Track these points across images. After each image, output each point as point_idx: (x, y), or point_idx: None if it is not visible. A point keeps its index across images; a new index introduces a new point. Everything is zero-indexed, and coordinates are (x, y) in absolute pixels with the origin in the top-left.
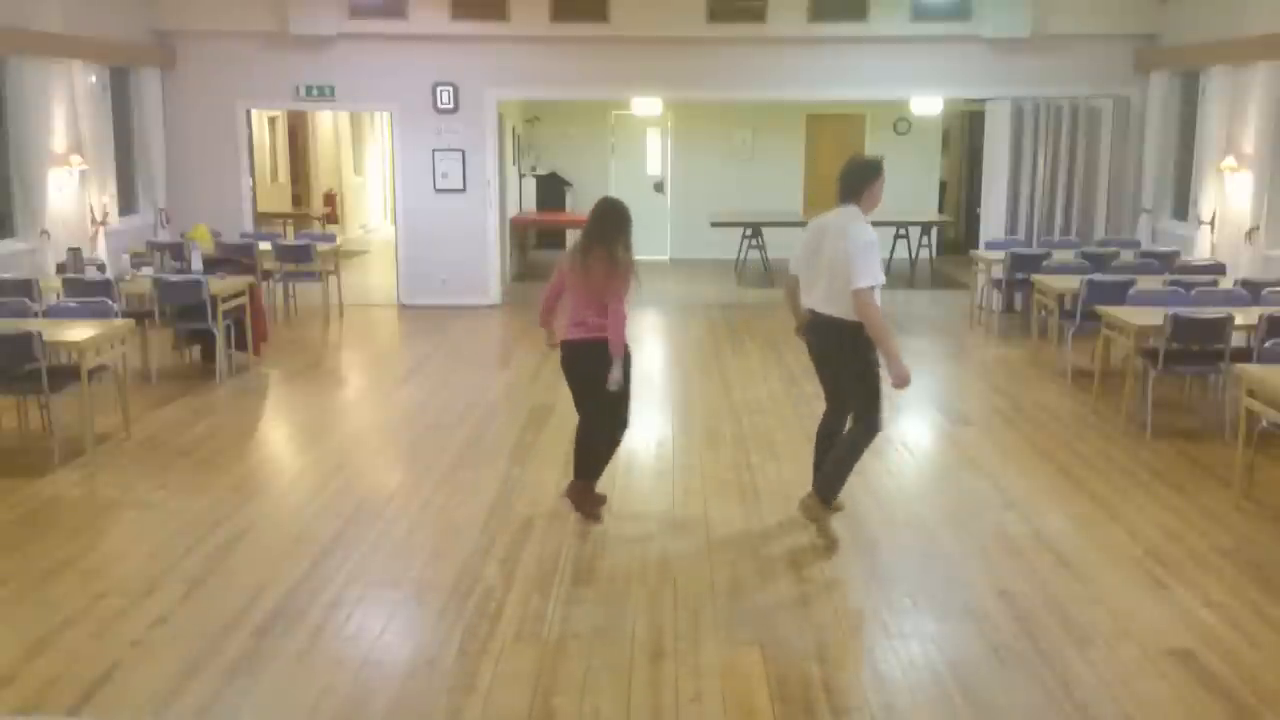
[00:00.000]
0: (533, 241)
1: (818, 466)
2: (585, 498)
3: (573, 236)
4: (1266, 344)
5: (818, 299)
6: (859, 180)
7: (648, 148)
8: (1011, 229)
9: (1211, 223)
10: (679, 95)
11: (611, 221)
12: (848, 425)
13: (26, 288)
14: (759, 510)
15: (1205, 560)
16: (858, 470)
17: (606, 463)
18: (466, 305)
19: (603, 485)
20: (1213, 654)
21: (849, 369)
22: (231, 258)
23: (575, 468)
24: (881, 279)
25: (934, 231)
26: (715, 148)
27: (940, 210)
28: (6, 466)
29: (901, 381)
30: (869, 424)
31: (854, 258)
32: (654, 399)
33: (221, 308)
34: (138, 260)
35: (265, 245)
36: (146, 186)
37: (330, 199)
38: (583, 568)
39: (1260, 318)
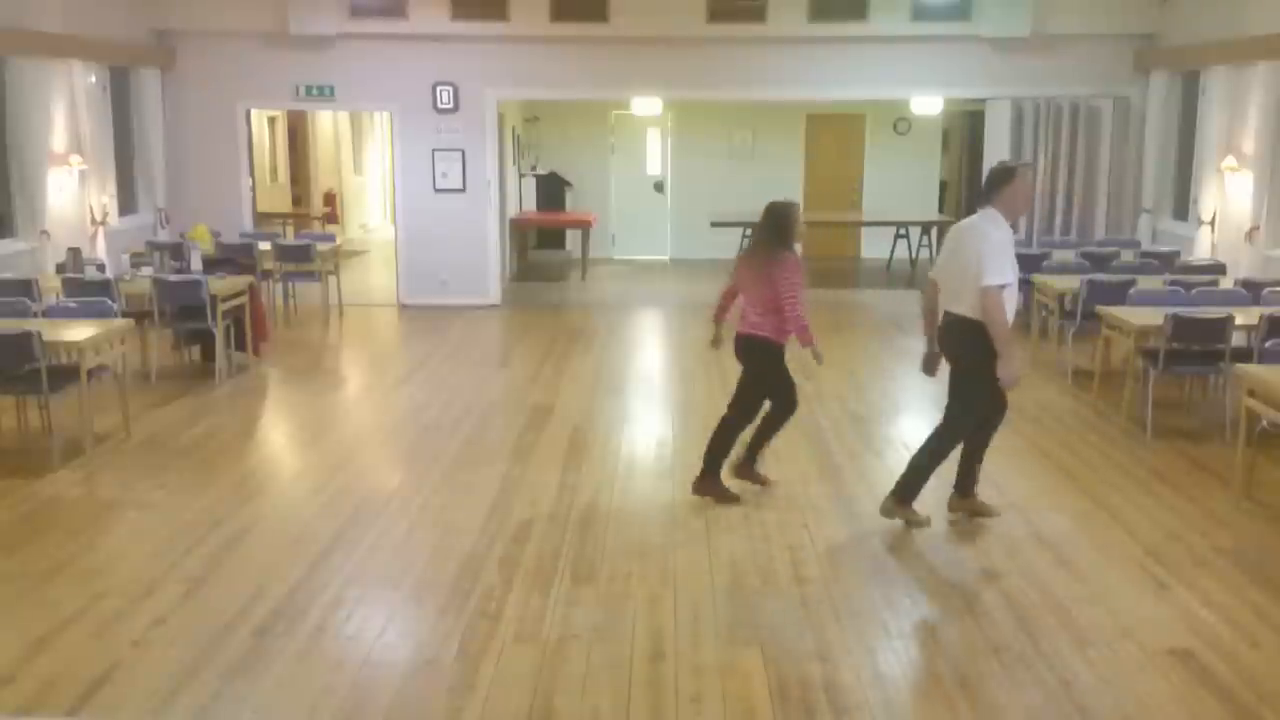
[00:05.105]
0: (533, 241)
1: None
2: (731, 481)
3: (572, 236)
4: (1267, 344)
5: (950, 298)
6: (994, 184)
7: (648, 148)
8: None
9: (1212, 223)
10: (679, 95)
11: (770, 223)
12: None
13: (26, 287)
14: (759, 510)
15: (1205, 560)
16: (858, 470)
17: (769, 441)
18: (466, 305)
19: (602, 484)
20: (1213, 654)
21: (969, 366)
22: (231, 258)
23: (708, 458)
24: (1010, 279)
25: (934, 231)
26: (715, 148)
27: (940, 210)
28: (6, 466)
29: (1011, 382)
30: (960, 425)
31: (984, 256)
32: (654, 399)
33: (221, 308)
34: (138, 260)
35: (265, 245)
36: (146, 186)
37: (330, 199)
38: (583, 568)
39: (1260, 318)
